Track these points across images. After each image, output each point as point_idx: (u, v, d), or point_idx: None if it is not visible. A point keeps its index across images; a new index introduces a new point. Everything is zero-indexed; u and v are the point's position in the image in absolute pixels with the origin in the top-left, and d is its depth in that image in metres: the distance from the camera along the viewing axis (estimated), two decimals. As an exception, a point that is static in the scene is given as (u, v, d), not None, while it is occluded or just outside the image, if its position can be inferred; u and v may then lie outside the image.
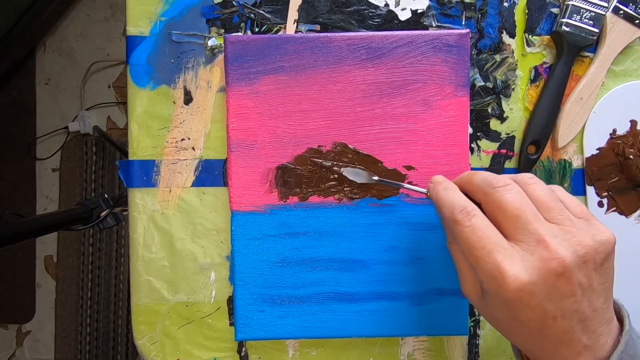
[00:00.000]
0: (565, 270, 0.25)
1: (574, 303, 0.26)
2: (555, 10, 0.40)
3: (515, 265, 0.25)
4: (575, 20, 0.38)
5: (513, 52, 0.40)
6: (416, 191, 0.34)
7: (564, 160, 0.41)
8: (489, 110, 0.40)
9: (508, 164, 0.41)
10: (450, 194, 0.30)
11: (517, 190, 0.27)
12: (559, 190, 0.29)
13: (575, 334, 0.26)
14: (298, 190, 0.38)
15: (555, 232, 0.26)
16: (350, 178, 0.38)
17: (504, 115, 0.40)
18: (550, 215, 0.27)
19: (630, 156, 0.39)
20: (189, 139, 0.40)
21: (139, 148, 0.40)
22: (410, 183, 0.38)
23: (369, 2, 0.40)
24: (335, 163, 0.38)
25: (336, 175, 0.38)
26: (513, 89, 0.40)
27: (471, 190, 0.30)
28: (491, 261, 0.26)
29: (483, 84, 0.40)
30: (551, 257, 0.25)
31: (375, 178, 0.37)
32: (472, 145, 0.40)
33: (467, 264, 0.29)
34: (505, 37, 0.40)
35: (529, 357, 0.30)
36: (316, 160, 0.38)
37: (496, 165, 0.41)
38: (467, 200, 0.29)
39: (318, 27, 0.40)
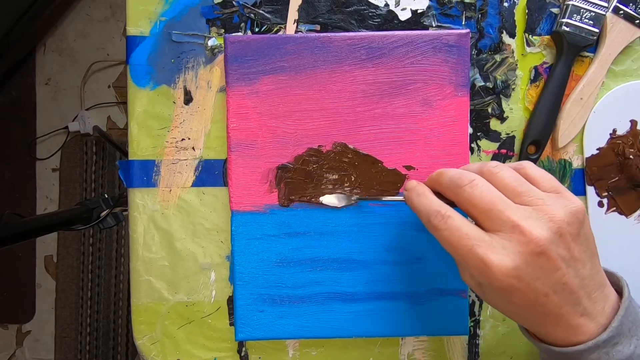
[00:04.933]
0: (544, 249, 0.26)
1: (562, 276, 0.26)
2: (555, 10, 0.40)
3: (497, 254, 0.26)
4: (575, 20, 0.38)
5: (513, 52, 0.40)
6: (395, 201, 0.35)
7: (564, 160, 0.41)
8: (489, 110, 0.40)
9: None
10: (423, 199, 0.31)
11: (483, 184, 0.28)
12: (528, 168, 0.30)
13: (569, 304, 0.27)
14: (300, 193, 0.38)
15: (527, 214, 0.27)
16: (331, 205, 0.38)
17: (504, 115, 0.40)
18: (520, 199, 0.28)
19: (630, 156, 0.39)
20: (189, 139, 0.40)
21: (139, 148, 0.40)
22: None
23: (369, 2, 0.40)
24: (313, 193, 0.38)
25: (336, 176, 0.38)
26: (513, 89, 0.40)
27: (442, 191, 0.31)
28: (475, 256, 0.27)
29: (483, 84, 0.40)
30: (527, 240, 0.26)
31: (354, 198, 0.38)
32: (472, 145, 0.40)
33: None
34: (505, 37, 0.40)
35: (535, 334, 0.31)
36: (292, 198, 0.38)
37: (496, 165, 0.41)
38: (439, 204, 0.29)
39: (318, 27, 0.40)
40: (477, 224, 0.28)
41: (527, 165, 0.30)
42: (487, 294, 0.29)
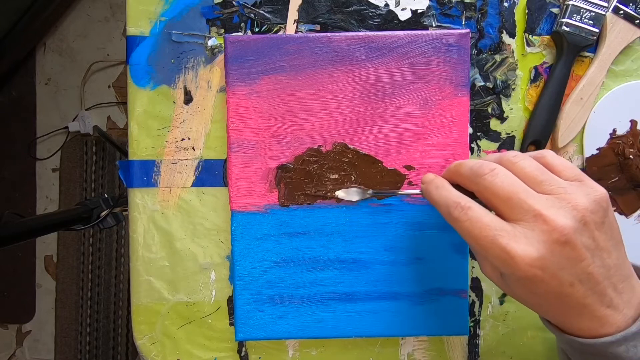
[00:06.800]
0: (568, 238, 0.25)
1: (587, 266, 0.26)
2: (555, 10, 0.40)
3: (520, 244, 0.26)
4: (575, 20, 0.38)
5: (513, 52, 0.40)
6: (411, 194, 0.35)
7: (564, 160, 0.41)
8: (489, 110, 0.40)
9: (508, 164, 0.41)
10: (442, 192, 0.30)
11: (503, 173, 0.28)
12: (549, 157, 0.29)
13: (595, 295, 0.26)
14: (300, 194, 0.38)
15: (550, 203, 0.26)
16: (347, 199, 0.38)
17: (504, 115, 0.40)
18: (542, 188, 0.27)
19: (630, 156, 0.39)
20: (189, 139, 0.40)
21: (139, 148, 0.40)
22: (410, 183, 0.38)
23: (369, 2, 0.40)
24: (330, 188, 0.38)
25: (336, 176, 0.38)
26: (513, 89, 0.40)
27: (461, 182, 0.31)
28: (497, 246, 0.26)
29: (483, 84, 0.40)
30: (551, 229, 0.25)
31: (370, 192, 0.38)
32: (472, 145, 0.40)
33: None
34: (505, 37, 0.40)
35: (558, 326, 0.30)
36: (308, 193, 0.38)
37: (496, 165, 0.41)
38: (459, 195, 0.29)
39: (318, 27, 0.40)
40: (498, 214, 0.28)
41: (548, 154, 0.29)
42: (510, 285, 0.28)
